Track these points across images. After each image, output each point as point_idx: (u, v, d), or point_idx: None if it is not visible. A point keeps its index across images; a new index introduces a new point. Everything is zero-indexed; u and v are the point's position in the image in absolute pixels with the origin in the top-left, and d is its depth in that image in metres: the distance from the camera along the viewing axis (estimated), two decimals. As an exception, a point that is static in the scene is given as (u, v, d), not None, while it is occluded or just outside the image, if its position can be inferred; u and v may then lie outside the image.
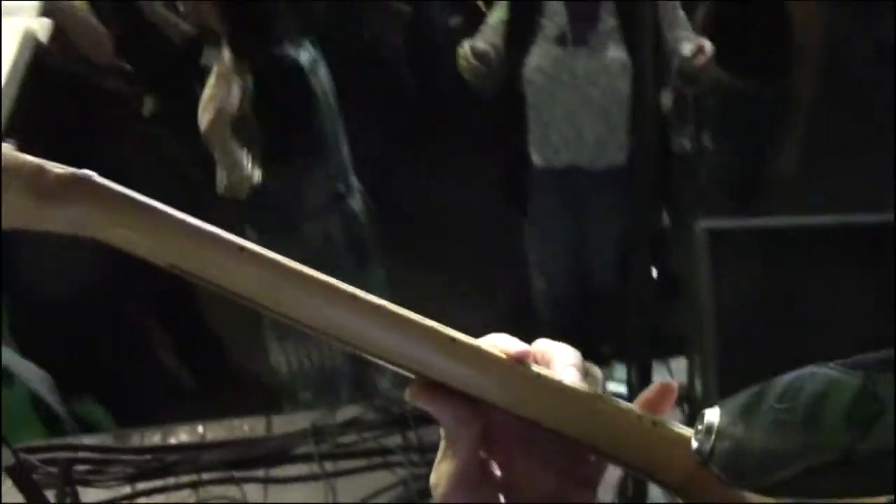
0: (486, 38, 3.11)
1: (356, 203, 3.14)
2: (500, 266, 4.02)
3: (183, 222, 0.70)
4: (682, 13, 3.09)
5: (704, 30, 3.37)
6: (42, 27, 1.82)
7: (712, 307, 1.90)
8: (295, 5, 2.95)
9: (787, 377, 0.56)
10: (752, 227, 2.01)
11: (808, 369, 0.56)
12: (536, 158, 3.22)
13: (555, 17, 3.00)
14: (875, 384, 0.52)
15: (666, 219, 3.21)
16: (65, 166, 0.70)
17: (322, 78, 2.98)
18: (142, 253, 0.70)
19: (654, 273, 2.01)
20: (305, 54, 2.91)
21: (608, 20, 2.97)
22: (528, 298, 3.67)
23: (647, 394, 0.67)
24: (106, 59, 3.17)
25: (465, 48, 3.02)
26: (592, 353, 3.13)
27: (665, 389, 0.67)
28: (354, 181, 3.16)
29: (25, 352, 3.47)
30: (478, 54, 2.96)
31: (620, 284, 3.28)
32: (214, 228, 0.70)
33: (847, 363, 0.54)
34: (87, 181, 0.69)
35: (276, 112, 2.87)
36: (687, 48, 2.90)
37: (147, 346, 3.82)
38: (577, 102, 3.05)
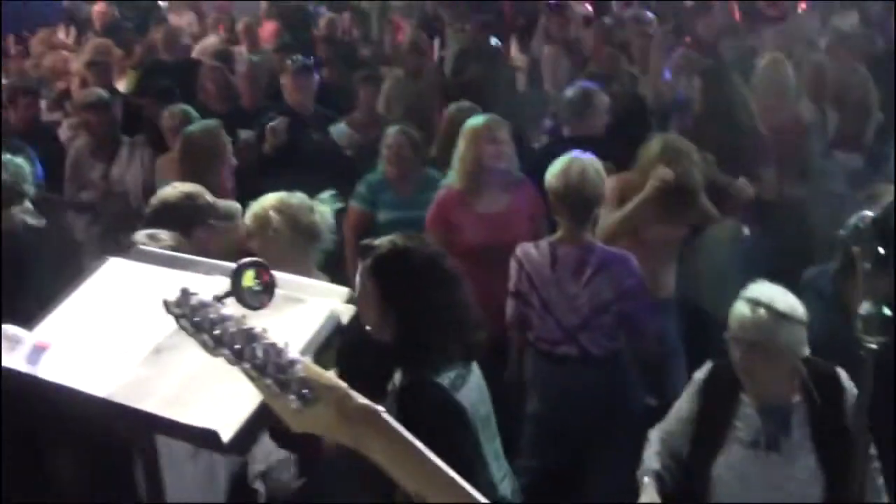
0: (670, 432, 3.20)
1: None
2: None
3: (438, 469, 0.88)
4: None
5: None
6: (347, 311, 2.10)
7: None
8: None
9: None
10: None
11: None
12: None
13: (748, 420, 3.06)
14: None
15: None
16: (363, 398, 0.90)
17: (466, 393, 2.91)
18: (401, 481, 0.88)
19: None
20: (452, 373, 2.87)
21: (801, 428, 3.02)
22: None
23: None
24: None
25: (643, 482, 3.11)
26: None
27: None
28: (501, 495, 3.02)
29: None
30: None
31: None
32: (457, 477, 0.88)
33: None
34: (378, 416, 0.89)
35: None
36: None
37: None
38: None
